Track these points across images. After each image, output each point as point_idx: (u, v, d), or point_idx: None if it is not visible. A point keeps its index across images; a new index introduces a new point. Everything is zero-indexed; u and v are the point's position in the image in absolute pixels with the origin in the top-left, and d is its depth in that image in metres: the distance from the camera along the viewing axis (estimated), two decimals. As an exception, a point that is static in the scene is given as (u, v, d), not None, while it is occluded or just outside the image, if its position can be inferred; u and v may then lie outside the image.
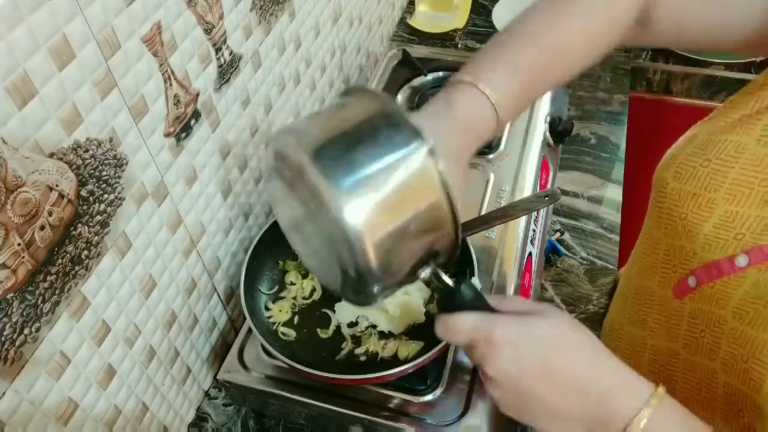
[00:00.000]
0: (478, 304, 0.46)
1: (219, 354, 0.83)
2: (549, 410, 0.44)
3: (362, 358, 0.71)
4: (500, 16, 1.34)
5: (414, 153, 0.41)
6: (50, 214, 0.49)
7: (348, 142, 0.41)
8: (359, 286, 0.42)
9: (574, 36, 0.57)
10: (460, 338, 0.45)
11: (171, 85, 0.61)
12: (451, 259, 0.46)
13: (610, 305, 0.79)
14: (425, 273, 0.45)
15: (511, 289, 0.77)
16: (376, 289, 0.43)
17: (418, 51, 1.12)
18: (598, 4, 0.57)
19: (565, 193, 1.04)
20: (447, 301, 0.47)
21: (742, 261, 0.49)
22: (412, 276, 0.45)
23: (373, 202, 0.40)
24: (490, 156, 0.92)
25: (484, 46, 0.57)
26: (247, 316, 0.69)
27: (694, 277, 0.53)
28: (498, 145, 0.93)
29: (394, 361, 0.69)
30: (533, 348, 0.43)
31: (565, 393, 0.43)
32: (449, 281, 0.46)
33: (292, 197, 0.44)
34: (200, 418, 0.80)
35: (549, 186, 0.96)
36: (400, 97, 1.03)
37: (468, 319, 0.45)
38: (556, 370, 0.43)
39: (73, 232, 0.52)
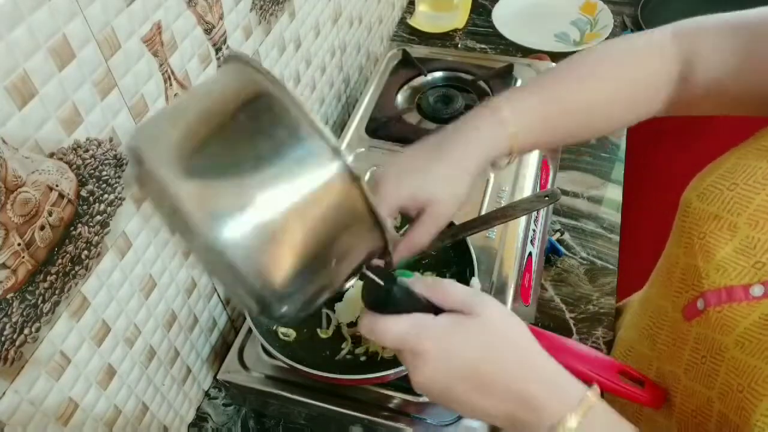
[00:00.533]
0: (411, 303, 0.44)
1: (219, 354, 0.83)
2: (477, 413, 0.43)
3: (362, 358, 0.71)
4: (500, 16, 1.34)
5: (328, 176, 0.33)
6: (50, 214, 0.49)
7: (230, 148, 0.32)
8: (263, 312, 0.36)
9: (608, 92, 0.60)
10: (387, 344, 0.43)
11: (171, 85, 0.61)
12: (381, 258, 0.42)
13: (622, 326, 0.79)
14: (351, 282, 0.41)
15: (511, 289, 0.77)
16: (283, 310, 0.36)
17: (418, 51, 1.12)
18: (638, 61, 0.60)
19: (565, 193, 1.04)
20: (376, 297, 0.43)
21: (757, 291, 0.48)
22: (334, 287, 0.39)
23: (267, 229, 0.32)
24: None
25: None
26: (247, 316, 0.69)
27: (703, 300, 0.52)
28: (498, 145, 0.93)
29: (394, 361, 0.69)
30: (463, 359, 0.42)
31: (495, 401, 0.42)
32: (379, 280, 0.42)
33: (164, 212, 0.37)
34: (200, 418, 0.80)
35: (549, 186, 0.96)
36: (400, 97, 1.03)
37: (396, 326, 0.42)
38: (487, 380, 0.42)
39: (73, 232, 0.52)
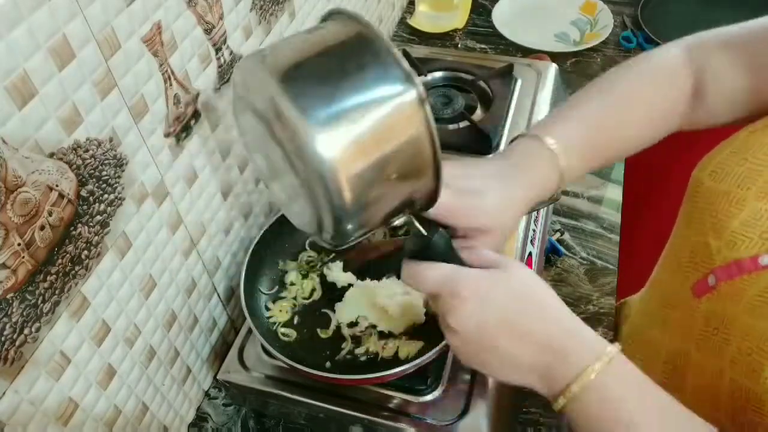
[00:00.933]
0: (449, 256, 0.47)
1: (219, 354, 0.83)
2: (506, 361, 0.46)
3: (362, 358, 0.71)
4: (500, 16, 1.34)
5: (402, 94, 0.39)
6: (50, 214, 0.49)
7: (326, 70, 0.39)
8: (333, 224, 0.42)
9: (640, 115, 0.61)
10: (426, 288, 0.47)
11: (171, 85, 0.61)
12: (428, 208, 0.46)
13: (626, 320, 0.78)
14: (400, 220, 0.46)
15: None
16: (349, 227, 0.42)
17: (418, 51, 1.12)
18: (659, 79, 0.61)
19: (565, 193, 1.04)
20: (418, 249, 0.47)
21: (766, 260, 0.49)
22: (387, 220, 0.45)
23: (349, 135, 0.38)
24: (490, 156, 0.92)
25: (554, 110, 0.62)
26: (247, 316, 0.69)
27: (714, 276, 0.53)
28: (498, 145, 0.93)
29: (394, 361, 0.69)
30: (498, 304, 0.45)
31: (525, 347, 0.45)
32: (423, 230, 0.47)
33: (260, 130, 0.42)
34: (200, 418, 0.80)
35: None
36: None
37: (437, 271, 0.46)
38: (519, 326, 0.45)
39: (73, 232, 0.52)
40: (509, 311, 0.45)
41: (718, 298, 0.53)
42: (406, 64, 0.40)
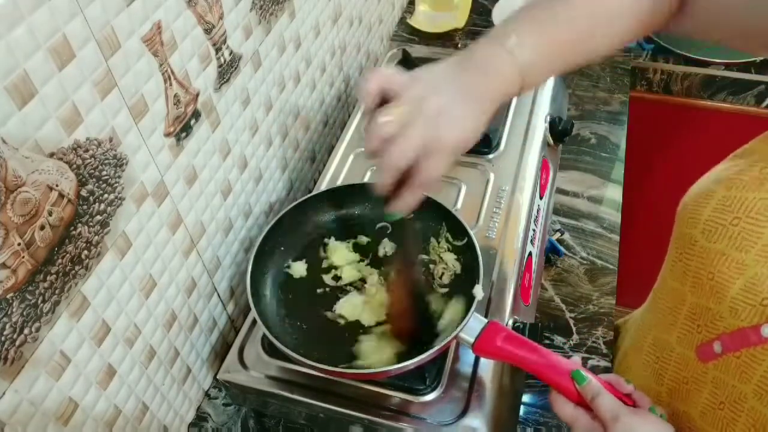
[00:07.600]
0: None
1: (219, 354, 0.83)
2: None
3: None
4: (500, 16, 1.34)
5: None
6: (50, 213, 0.49)
7: None
8: None
9: (612, 9, 0.56)
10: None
11: (171, 85, 0.61)
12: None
13: (621, 346, 0.77)
14: None
15: (511, 289, 0.77)
16: None
17: (418, 51, 1.12)
18: None
19: (565, 193, 1.04)
20: None
21: (767, 331, 0.47)
22: None
23: None
24: (490, 156, 0.91)
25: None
26: (252, 306, 0.68)
27: (720, 343, 0.51)
28: (498, 145, 0.93)
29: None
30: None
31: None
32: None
33: None
34: (200, 418, 0.80)
35: (549, 185, 0.96)
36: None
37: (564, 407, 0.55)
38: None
39: (73, 232, 0.52)
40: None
41: (726, 369, 0.50)
42: None
